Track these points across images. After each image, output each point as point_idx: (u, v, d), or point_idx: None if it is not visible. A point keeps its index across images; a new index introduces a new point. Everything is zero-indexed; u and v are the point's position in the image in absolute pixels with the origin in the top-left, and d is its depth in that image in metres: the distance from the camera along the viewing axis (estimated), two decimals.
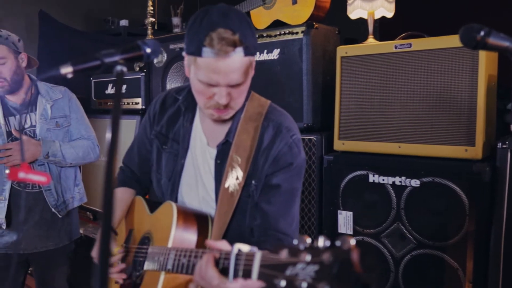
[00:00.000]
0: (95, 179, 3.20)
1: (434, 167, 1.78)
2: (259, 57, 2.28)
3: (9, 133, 2.14)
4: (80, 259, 2.42)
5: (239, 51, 1.14)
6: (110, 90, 3.23)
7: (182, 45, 2.70)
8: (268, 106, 1.36)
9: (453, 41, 1.75)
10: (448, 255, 1.75)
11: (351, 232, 1.99)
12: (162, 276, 1.22)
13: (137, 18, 4.02)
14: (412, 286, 1.85)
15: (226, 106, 1.23)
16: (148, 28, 3.18)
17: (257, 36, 2.25)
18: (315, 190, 2.11)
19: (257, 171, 1.30)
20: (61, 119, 2.24)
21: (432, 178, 1.78)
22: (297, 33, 2.16)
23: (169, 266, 1.18)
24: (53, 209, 2.20)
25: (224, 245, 1.06)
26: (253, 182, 1.30)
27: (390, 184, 1.88)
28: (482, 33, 0.90)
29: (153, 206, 1.42)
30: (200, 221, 1.29)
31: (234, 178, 1.29)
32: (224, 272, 1.00)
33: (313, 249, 0.79)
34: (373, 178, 1.92)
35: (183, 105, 1.41)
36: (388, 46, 1.92)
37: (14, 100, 2.18)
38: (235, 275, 0.95)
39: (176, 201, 1.41)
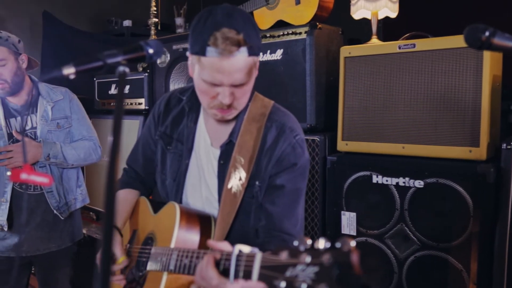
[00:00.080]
0: (99, 179, 3.20)
1: (438, 168, 1.77)
2: (262, 57, 2.27)
3: (10, 135, 2.14)
4: (83, 259, 2.43)
5: (243, 51, 1.14)
6: (113, 90, 3.24)
7: (185, 45, 2.71)
8: (272, 107, 1.36)
9: (457, 41, 1.74)
10: (452, 256, 1.74)
11: (354, 233, 1.98)
12: (165, 276, 1.22)
13: (141, 19, 4.02)
14: (416, 287, 1.84)
15: (230, 106, 1.23)
16: (151, 29, 3.19)
17: (260, 36, 2.27)
18: (319, 191, 2.11)
19: (260, 171, 1.30)
20: (62, 120, 2.23)
21: (436, 179, 1.77)
22: (300, 33, 2.15)
23: (172, 267, 1.18)
24: (55, 211, 2.20)
25: (225, 245, 1.06)
26: (256, 183, 1.30)
27: (393, 185, 1.87)
28: (487, 33, 0.89)
29: (157, 206, 1.42)
30: (203, 221, 1.29)
31: (237, 179, 1.29)
32: (225, 273, 1.00)
33: (313, 251, 0.79)
34: (377, 179, 1.91)
35: (187, 105, 1.41)
36: (392, 47, 1.91)
37: (15, 101, 2.17)
38: (236, 276, 0.95)
39: (180, 201, 1.41)
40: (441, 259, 1.77)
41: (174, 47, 2.77)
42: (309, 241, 0.81)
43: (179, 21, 3.67)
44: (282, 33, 2.22)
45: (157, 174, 1.50)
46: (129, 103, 3.04)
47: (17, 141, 2.12)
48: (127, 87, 3.06)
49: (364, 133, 2.00)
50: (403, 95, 1.89)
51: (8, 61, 2.07)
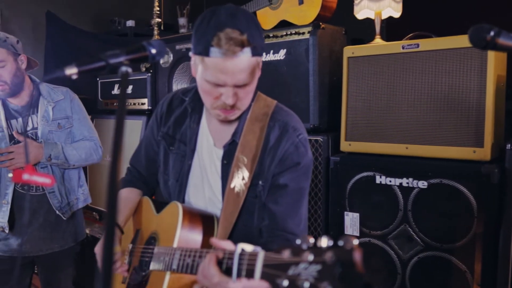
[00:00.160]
0: (101, 179, 3.21)
1: (442, 169, 1.77)
2: (265, 57, 2.27)
3: (11, 136, 2.13)
4: (86, 259, 2.43)
5: (247, 51, 1.14)
6: (116, 90, 3.24)
7: (189, 45, 2.71)
8: (274, 106, 1.36)
9: (461, 41, 1.73)
10: (456, 257, 1.73)
11: (357, 234, 1.97)
12: (168, 276, 1.22)
13: (144, 19, 4.03)
14: None
15: (233, 107, 1.23)
16: (154, 29, 3.19)
17: (263, 36, 2.26)
18: (322, 191, 2.10)
19: (263, 171, 1.30)
20: (63, 120, 2.23)
21: (439, 179, 1.76)
22: (303, 33, 2.15)
23: (174, 266, 1.18)
24: (57, 211, 2.20)
25: (228, 244, 1.06)
26: (260, 182, 1.30)
27: (397, 186, 1.86)
28: (492, 33, 0.89)
29: (160, 206, 1.43)
30: (205, 221, 1.29)
31: (240, 179, 1.29)
32: (228, 271, 1.00)
33: (315, 249, 0.79)
34: (380, 179, 1.90)
35: (190, 106, 1.41)
36: (396, 47, 1.90)
37: (16, 102, 2.17)
38: (239, 275, 0.96)
39: (183, 202, 1.41)
40: (444, 260, 1.76)
41: (177, 47, 2.77)
42: (311, 240, 0.82)
43: (182, 21, 3.68)
44: (285, 33, 2.21)
45: (159, 174, 1.50)
46: (132, 103, 3.04)
47: (19, 142, 2.12)
48: (130, 87, 3.06)
49: (367, 134, 1.99)
50: (407, 95, 1.88)
51: (7, 62, 2.06)
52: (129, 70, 0.85)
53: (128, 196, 1.53)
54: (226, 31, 1.12)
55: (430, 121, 1.82)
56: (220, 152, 1.35)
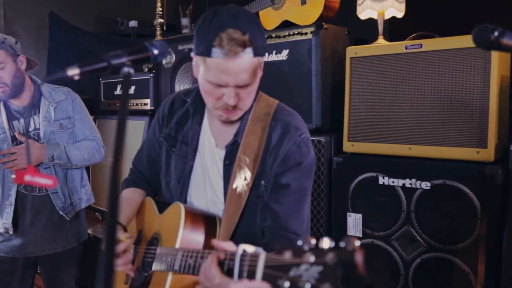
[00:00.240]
0: (103, 179, 3.21)
1: (445, 169, 1.76)
2: (267, 57, 2.27)
3: (13, 138, 2.13)
4: (89, 260, 2.43)
5: (249, 51, 1.14)
6: (119, 91, 3.24)
7: (191, 46, 2.70)
8: (276, 106, 1.36)
9: (464, 41, 1.72)
10: (459, 258, 1.73)
11: (360, 235, 1.97)
12: (170, 276, 1.22)
13: (146, 19, 4.04)
14: None
15: (235, 107, 1.23)
16: (157, 29, 3.19)
17: (266, 36, 2.26)
18: (324, 192, 2.10)
19: (265, 171, 1.29)
20: (65, 120, 2.23)
21: (443, 180, 1.76)
22: (306, 33, 2.15)
23: (176, 267, 1.18)
24: (60, 212, 2.20)
25: (229, 245, 1.06)
26: (262, 182, 1.29)
27: (400, 186, 1.85)
28: (496, 33, 0.88)
29: (162, 207, 1.43)
30: (208, 222, 1.29)
31: (242, 179, 1.28)
32: (229, 272, 1.00)
33: (317, 250, 0.79)
34: (383, 180, 1.90)
35: (192, 107, 1.41)
36: (399, 47, 1.90)
37: (17, 103, 2.17)
38: (240, 276, 0.95)
39: (185, 202, 1.41)
40: (448, 261, 1.75)
41: (180, 47, 2.77)
42: (313, 241, 0.82)
43: (184, 21, 3.68)
44: (287, 34, 2.21)
45: (161, 175, 1.50)
46: (134, 104, 3.05)
47: (21, 143, 2.12)
48: (133, 87, 3.07)
49: (370, 134, 1.98)
50: (410, 96, 1.87)
51: (6, 63, 2.06)
52: (131, 71, 0.85)
53: (131, 196, 1.53)
54: (228, 31, 1.11)
55: (433, 121, 1.82)
56: (222, 153, 1.34)
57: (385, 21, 2.15)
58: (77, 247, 2.32)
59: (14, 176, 2.11)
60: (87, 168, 2.43)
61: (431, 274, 1.79)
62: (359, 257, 0.74)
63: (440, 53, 1.79)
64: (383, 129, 1.95)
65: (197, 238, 1.25)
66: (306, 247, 0.81)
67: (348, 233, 2.00)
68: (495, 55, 1.68)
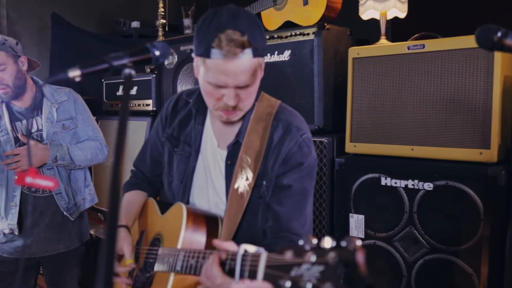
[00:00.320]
0: (106, 180, 3.21)
1: (448, 170, 1.75)
2: (269, 58, 2.26)
3: (16, 139, 2.14)
4: (91, 260, 2.43)
5: (248, 52, 1.13)
6: (121, 91, 3.25)
7: (193, 46, 2.70)
8: (278, 106, 1.36)
9: (467, 41, 1.72)
10: (462, 260, 1.72)
11: (362, 236, 1.96)
12: (172, 277, 1.22)
13: (148, 20, 4.04)
14: None
15: (235, 108, 1.22)
16: (159, 30, 3.19)
17: (267, 37, 2.26)
18: (326, 193, 2.09)
19: (267, 171, 1.29)
20: (68, 121, 2.23)
21: (445, 181, 1.75)
22: (308, 34, 2.14)
23: (178, 267, 1.18)
24: (65, 212, 2.20)
25: (231, 245, 1.06)
26: (264, 182, 1.29)
27: (402, 187, 1.85)
28: (499, 34, 0.88)
29: (164, 207, 1.43)
30: (209, 222, 1.29)
31: (244, 179, 1.28)
32: (230, 273, 1.00)
33: (318, 250, 0.79)
34: (385, 181, 1.89)
35: (194, 108, 1.41)
36: (401, 47, 1.89)
37: (20, 104, 2.17)
38: (241, 276, 0.95)
39: (187, 203, 1.41)
40: (450, 262, 1.74)
41: (182, 48, 2.77)
42: (314, 240, 0.81)
43: (187, 22, 3.68)
44: (289, 34, 2.20)
45: (164, 176, 1.50)
46: (136, 104, 3.05)
47: (24, 144, 2.12)
48: (135, 88, 3.07)
49: (372, 135, 1.98)
50: (412, 96, 1.87)
51: (7, 65, 2.06)
52: (133, 72, 0.85)
53: (134, 198, 1.53)
54: (227, 32, 1.11)
55: (436, 122, 1.81)
56: (224, 153, 1.34)
57: (388, 22, 2.15)
58: (80, 247, 2.33)
59: (16, 177, 2.11)
60: (89, 169, 2.44)
61: (434, 276, 1.79)
62: (360, 257, 0.74)
63: (442, 53, 1.79)
64: (385, 130, 1.94)
65: (199, 238, 1.25)
66: (307, 247, 0.81)
67: (350, 234, 2.00)
68: (498, 55, 1.67)
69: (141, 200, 1.53)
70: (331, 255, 0.76)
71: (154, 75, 2.95)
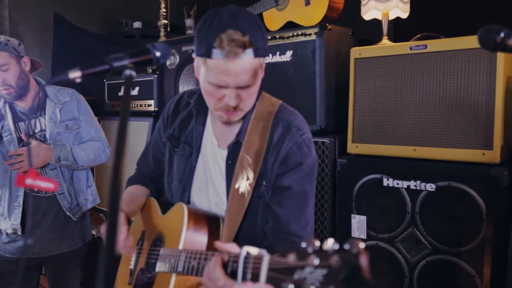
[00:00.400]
0: (108, 180, 3.21)
1: (450, 171, 1.75)
2: (271, 59, 2.26)
3: (20, 139, 2.15)
4: (93, 260, 2.43)
5: (249, 52, 1.13)
6: (123, 92, 3.25)
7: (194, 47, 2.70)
8: (279, 106, 1.35)
9: (470, 42, 1.71)
10: (464, 261, 1.71)
11: (364, 237, 1.96)
12: (173, 278, 1.22)
13: (150, 20, 4.04)
14: None
15: (236, 108, 1.22)
16: (161, 30, 3.19)
17: (269, 37, 2.26)
18: (328, 193, 2.09)
19: (267, 171, 1.29)
20: (71, 121, 2.24)
21: (448, 182, 1.74)
22: (310, 34, 2.14)
23: (180, 268, 1.18)
24: (67, 213, 2.21)
25: (233, 247, 1.05)
26: (263, 182, 1.29)
27: (404, 188, 1.84)
28: (502, 34, 0.87)
29: (165, 207, 1.43)
30: (211, 222, 1.29)
31: (245, 179, 1.28)
32: (233, 275, 1.00)
33: (321, 253, 0.79)
34: (387, 182, 1.89)
35: (195, 108, 1.41)
36: (403, 48, 1.89)
37: (23, 105, 2.18)
38: (244, 278, 0.95)
39: (187, 203, 1.41)
40: (453, 263, 1.74)
41: (184, 48, 2.77)
42: (317, 243, 0.81)
43: (189, 22, 3.67)
44: (291, 34, 2.20)
45: (164, 176, 1.50)
46: (138, 105, 3.05)
47: (27, 144, 2.13)
48: (137, 88, 3.07)
49: (374, 135, 1.97)
50: (415, 97, 1.86)
51: (10, 65, 2.07)
52: (133, 73, 0.85)
53: (135, 192, 1.53)
54: (228, 32, 1.11)
55: (438, 123, 1.80)
56: (224, 153, 1.34)
57: (390, 22, 2.14)
58: (82, 247, 2.34)
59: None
60: (92, 169, 2.44)
61: (436, 277, 1.78)
62: (364, 260, 0.73)
63: (445, 53, 1.78)
64: (387, 130, 1.94)
65: (201, 239, 1.25)
66: (310, 250, 0.80)
67: (352, 235, 1.99)
68: (500, 55, 1.66)
69: (142, 195, 1.53)
70: (334, 258, 0.75)
71: (156, 76, 2.95)
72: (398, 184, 1.86)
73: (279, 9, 2.40)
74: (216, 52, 1.12)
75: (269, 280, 0.87)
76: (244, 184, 1.28)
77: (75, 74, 0.85)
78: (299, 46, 2.18)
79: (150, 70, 3.07)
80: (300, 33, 2.17)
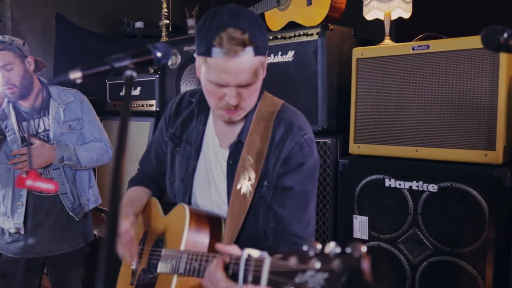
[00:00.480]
0: (109, 181, 3.21)
1: (453, 172, 1.74)
2: (273, 59, 2.26)
3: (23, 139, 2.16)
4: (95, 260, 2.43)
5: (249, 50, 1.13)
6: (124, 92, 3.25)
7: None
8: (281, 105, 1.35)
9: (472, 42, 1.70)
10: (466, 262, 1.70)
11: (366, 237, 1.95)
12: (175, 279, 1.22)
13: (152, 20, 4.04)
14: None
15: (237, 107, 1.22)
16: (162, 30, 3.19)
17: (271, 37, 2.25)
18: (330, 194, 2.08)
19: (268, 171, 1.28)
20: (74, 122, 2.25)
21: (450, 183, 1.74)
22: (312, 34, 2.13)
23: (181, 270, 1.18)
24: (70, 212, 2.22)
25: (234, 249, 1.05)
26: (265, 183, 1.28)
27: (406, 189, 1.84)
28: (505, 35, 0.87)
29: (167, 208, 1.43)
30: (212, 223, 1.29)
31: (247, 179, 1.27)
32: (234, 277, 0.99)
33: (323, 256, 0.78)
34: (389, 182, 1.88)
35: (196, 107, 1.41)
36: (405, 48, 1.88)
37: (26, 105, 2.19)
38: (245, 281, 0.95)
39: (189, 203, 1.41)
40: (455, 265, 1.73)
41: (185, 48, 2.77)
42: (318, 246, 0.80)
43: (190, 22, 3.68)
44: (293, 35, 2.20)
45: (166, 176, 1.50)
46: (140, 105, 3.05)
47: (31, 144, 2.14)
48: (138, 88, 3.07)
49: (376, 136, 1.97)
50: (417, 97, 1.85)
51: (14, 65, 2.08)
52: (134, 74, 0.85)
53: (137, 194, 1.53)
54: (228, 31, 1.11)
55: (440, 123, 1.80)
56: (226, 153, 1.34)
57: (392, 22, 2.13)
58: (84, 247, 2.34)
59: (25, 175, 2.13)
60: (93, 170, 2.45)
61: (438, 278, 1.77)
62: (366, 264, 0.73)
63: (447, 54, 1.77)
64: (389, 131, 1.93)
65: (202, 239, 1.25)
66: (311, 253, 0.80)
67: (354, 236, 1.99)
68: (503, 56, 1.65)
69: (144, 196, 1.53)
70: (336, 262, 0.75)
71: (157, 76, 2.94)
72: (400, 184, 1.85)
73: (281, 9, 2.39)
74: (216, 50, 1.12)
75: (270, 283, 0.87)
76: (246, 184, 1.27)
77: (75, 75, 0.85)
78: (301, 46, 2.17)
79: (152, 70, 3.07)
80: (302, 33, 2.16)
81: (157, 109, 2.95)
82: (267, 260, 0.89)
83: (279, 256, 0.87)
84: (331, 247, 0.78)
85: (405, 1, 2.08)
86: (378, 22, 2.19)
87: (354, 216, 1.99)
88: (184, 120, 1.44)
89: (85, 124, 2.28)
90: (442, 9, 2.82)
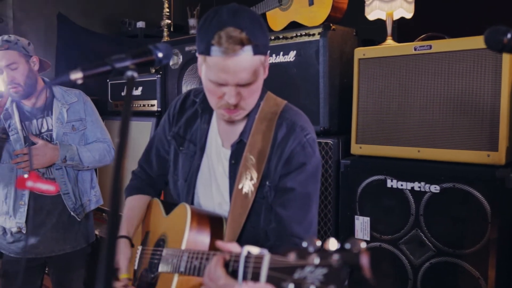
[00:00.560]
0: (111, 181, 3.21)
1: (455, 173, 1.73)
2: (275, 59, 2.25)
3: (26, 138, 2.16)
4: (96, 261, 2.44)
5: (248, 49, 1.13)
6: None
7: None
8: (284, 106, 1.34)
9: (475, 42, 1.70)
10: (468, 263, 1.70)
11: (368, 238, 1.95)
12: (176, 278, 1.22)
13: (154, 20, 4.04)
14: None
15: (236, 106, 1.21)
16: (164, 30, 3.19)
17: (273, 37, 2.25)
18: (332, 194, 2.08)
19: (270, 171, 1.28)
20: (77, 122, 2.25)
21: (452, 183, 1.73)
22: (313, 34, 2.13)
23: (182, 269, 1.18)
24: (71, 213, 2.22)
25: (234, 247, 1.05)
26: (267, 183, 1.28)
27: (408, 190, 1.83)
28: (509, 35, 0.86)
29: (169, 208, 1.43)
30: (214, 223, 1.29)
31: (248, 179, 1.27)
32: (234, 274, 1.00)
33: (322, 252, 0.79)
34: (391, 183, 1.88)
35: (200, 107, 1.41)
36: (408, 48, 1.87)
37: (30, 104, 2.19)
38: (244, 278, 0.95)
39: (192, 202, 1.41)
40: (457, 266, 1.72)
41: (187, 48, 2.77)
42: (318, 242, 0.81)
43: (192, 22, 3.67)
44: (295, 35, 2.19)
45: (169, 175, 1.50)
46: (141, 105, 3.05)
47: (33, 143, 2.14)
48: (140, 88, 3.07)
49: (378, 136, 1.96)
50: (419, 98, 1.85)
51: (19, 64, 2.09)
52: (135, 74, 0.84)
53: (136, 204, 1.52)
54: (227, 29, 1.11)
55: (442, 124, 1.79)
56: (228, 152, 1.33)
57: (394, 22, 2.13)
58: (86, 248, 2.34)
59: (27, 175, 2.13)
60: (95, 171, 2.45)
61: (440, 279, 1.77)
62: (364, 259, 0.73)
63: (450, 54, 1.77)
64: (391, 131, 1.93)
65: (203, 239, 1.25)
66: (311, 249, 0.80)
67: (356, 237, 1.98)
68: (506, 56, 1.65)
69: (143, 206, 1.53)
70: (335, 257, 0.75)
71: (159, 76, 2.95)
72: (402, 185, 1.85)
73: (282, 9, 2.39)
74: (214, 49, 1.12)
75: (269, 280, 0.87)
76: (247, 184, 1.27)
77: (76, 75, 0.85)
78: (302, 46, 2.17)
79: (153, 70, 3.07)
80: (304, 33, 2.16)
81: (159, 109, 2.95)
82: (267, 257, 0.90)
83: (279, 252, 0.87)
84: (330, 243, 0.78)
85: (407, 1, 2.08)
86: (380, 22, 2.19)
87: (355, 216, 1.98)
88: (188, 119, 1.44)
89: (88, 125, 2.29)
90: (445, 9, 2.81)
